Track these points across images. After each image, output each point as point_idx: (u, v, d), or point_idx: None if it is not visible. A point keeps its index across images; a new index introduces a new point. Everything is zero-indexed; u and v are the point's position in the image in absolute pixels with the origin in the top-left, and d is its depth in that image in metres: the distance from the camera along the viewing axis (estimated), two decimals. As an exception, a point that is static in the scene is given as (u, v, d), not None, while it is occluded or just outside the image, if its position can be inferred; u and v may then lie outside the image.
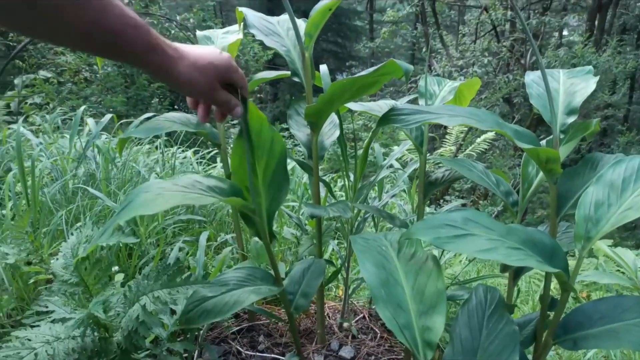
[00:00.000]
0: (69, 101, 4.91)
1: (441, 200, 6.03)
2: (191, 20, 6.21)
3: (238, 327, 1.38)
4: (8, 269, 1.38)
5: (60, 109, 4.39)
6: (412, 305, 0.75)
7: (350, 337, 1.38)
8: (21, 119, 2.14)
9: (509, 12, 10.68)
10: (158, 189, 0.80)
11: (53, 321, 0.93)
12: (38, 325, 0.88)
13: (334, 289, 1.69)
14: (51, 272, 1.14)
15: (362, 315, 1.48)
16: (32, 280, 1.21)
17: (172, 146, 2.87)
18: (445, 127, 6.19)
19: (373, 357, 1.32)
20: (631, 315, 0.83)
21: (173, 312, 1.14)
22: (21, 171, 1.57)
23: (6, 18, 0.54)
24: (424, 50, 12.35)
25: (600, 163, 1.00)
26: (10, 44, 6.34)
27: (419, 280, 0.78)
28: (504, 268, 1.04)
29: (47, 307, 0.99)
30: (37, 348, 0.82)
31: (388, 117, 0.91)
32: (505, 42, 10.57)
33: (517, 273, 1.04)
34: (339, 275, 1.65)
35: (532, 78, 1.02)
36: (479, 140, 5.21)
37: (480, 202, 7.39)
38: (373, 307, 1.52)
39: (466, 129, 5.71)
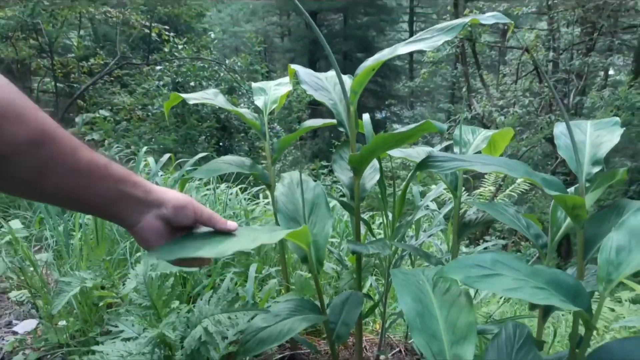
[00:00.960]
0: (125, 138, 5.25)
1: (481, 240, 5.97)
2: (239, 63, 6.59)
3: (281, 355, 1.47)
4: (76, 293, 1.53)
5: (117, 146, 4.71)
6: (445, 335, 0.83)
7: (387, 370, 1.44)
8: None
9: (551, 53, 10.68)
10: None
11: (123, 340, 1.06)
12: (114, 342, 1.00)
13: (372, 324, 1.76)
14: (120, 296, 1.28)
15: (398, 349, 1.55)
16: (101, 304, 1.35)
17: (219, 183, 3.04)
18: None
19: (409, 391, 1.38)
20: (656, 354, 0.88)
21: (224, 337, 1.25)
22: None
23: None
24: (463, 89, 12.41)
25: (626, 209, 1.06)
26: (74, 85, 6.85)
27: (452, 313, 0.86)
28: (532, 306, 1.10)
29: (117, 326, 1.12)
30: (113, 361, 0.94)
31: (426, 163, 1.02)
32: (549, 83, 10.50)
33: (545, 312, 1.10)
34: (377, 310, 1.72)
35: (560, 130, 1.11)
36: (519, 180, 5.18)
37: (522, 243, 7.25)
38: (409, 341, 1.58)
39: (506, 169, 5.68)
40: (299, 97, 7.53)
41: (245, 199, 2.76)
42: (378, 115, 22.85)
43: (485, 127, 8.28)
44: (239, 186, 2.97)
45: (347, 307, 1.15)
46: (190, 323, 1.01)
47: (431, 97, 23.31)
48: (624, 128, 1.13)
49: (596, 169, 1.01)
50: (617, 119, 1.16)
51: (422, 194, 2.08)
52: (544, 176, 0.99)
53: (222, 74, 6.13)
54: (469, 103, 11.98)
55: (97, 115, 5.61)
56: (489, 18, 1.07)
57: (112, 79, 7.86)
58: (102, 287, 1.31)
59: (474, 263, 0.84)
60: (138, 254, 1.74)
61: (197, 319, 1.00)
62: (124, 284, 1.30)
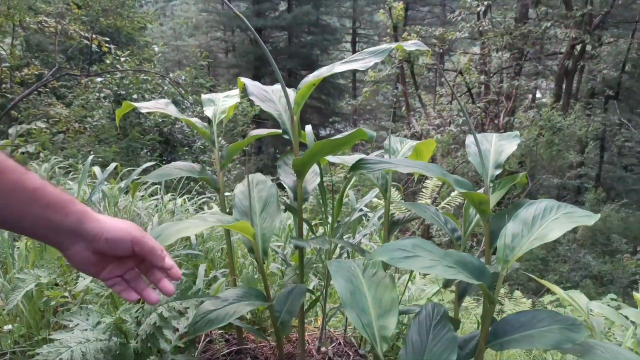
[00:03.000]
0: (63, 150, 5.12)
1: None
2: (183, 77, 6.60)
3: (228, 350, 1.57)
4: (23, 296, 1.55)
5: (55, 158, 4.59)
6: (372, 309, 0.98)
7: (327, 359, 1.57)
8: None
9: (482, 76, 11.41)
10: (186, 222, 1.03)
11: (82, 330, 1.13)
12: (72, 331, 1.07)
13: (314, 322, 1.89)
14: (72, 293, 1.33)
15: (338, 341, 1.68)
16: (52, 303, 1.40)
17: (165, 194, 3.08)
18: (421, 182, 6.51)
19: (347, 377, 1.51)
20: (544, 324, 1.07)
21: (176, 329, 1.33)
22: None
23: None
24: (403, 109, 12.95)
25: (523, 205, 1.26)
26: (8, 95, 6.60)
27: (378, 291, 1.01)
28: (446, 284, 1.28)
29: (71, 320, 1.18)
30: (72, 347, 1.01)
31: (358, 165, 1.17)
32: (480, 104, 11.20)
33: (461, 295, 1.27)
34: (318, 308, 1.85)
35: (471, 140, 1.30)
36: (453, 194, 5.53)
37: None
38: (348, 335, 1.72)
39: (440, 183, 6.04)
40: (244, 111, 7.63)
41: (190, 208, 2.83)
42: (322, 132, 23.25)
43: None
44: (184, 196, 3.03)
45: (292, 297, 1.27)
46: (145, 312, 1.10)
47: (373, 115, 24.02)
48: (519, 140, 1.34)
49: (498, 172, 1.20)
50: (517, 132, 1.37)
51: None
52: (456, 177, 1.17)
53: (165, 87, 6.12)
54: (408, 121, 12.52)
55: (34, 127, 5.44)
56: (411, 45, 1.25)
57: (47, 90, 7.61)
58: (56, 284, 1.36)
59: (397, 247, 1.00)
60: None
61: (152, 307, 1.09)
62: (76, 283, 1.36)
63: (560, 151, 8.16)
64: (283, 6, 23.72)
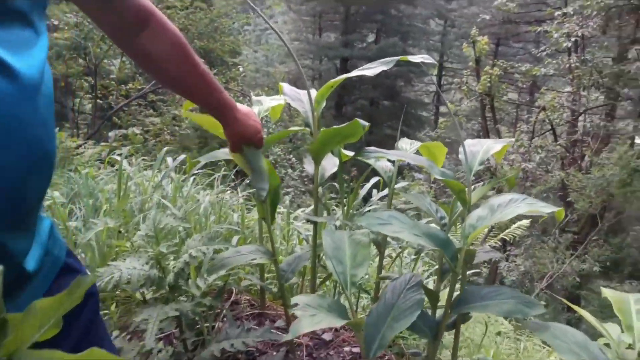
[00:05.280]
0: (151, 153, 5.77)
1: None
2: (263, 96, 7.16)
3: (251, 312, 1.84)
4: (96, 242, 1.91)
5: (143, 158, 5.21)
6: (348, 262, 1.21)
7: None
8: (123, 156, 2.81)
9: (565, 114, 11.04)
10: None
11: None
12: (124, 260, 1.40)
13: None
14: (132, 241, 1.67)
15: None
16: (116, 249, 1.75)
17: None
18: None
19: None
20: (502, 297, 1.23)
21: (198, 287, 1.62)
22: (118, 185, 2.17)
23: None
24: (479, 142, 12.72)
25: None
26: (113, 106, 7.50)
27: (356, 250, 1.24)
28: (417, 252, 1.46)
29: (125, 260, 1.51)
30: (122, 270, 1.33)
31: (360, 153, 1.42)
32: (561, 141, 10.84)
33: (443, 272, 1.45)
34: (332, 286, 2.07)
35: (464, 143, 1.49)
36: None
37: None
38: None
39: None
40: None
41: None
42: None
43: (494, 175, 8.61)
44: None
45: (297, 260, 1.52)
46: (180, 252, 1.40)
47: (453, 149, 23.68)
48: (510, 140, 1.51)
49: (480, 167, 1.38)
50: (512, 139, 1.55)
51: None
52: (443, 170, 1.37)
53: (245, 104, 6.69)
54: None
55: (130, 132, 6.19)
56: (417, 58, 1.48)
57: (146, 102, 8.55)
58: (120, 232, 1.71)
59: (376, 216, 1.23)
60: (144, 214, 2.13)
61: (185, 250, 1.39)
62: (134, 234, 1.70)
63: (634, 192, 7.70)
64: (371, 38, 24.38)
